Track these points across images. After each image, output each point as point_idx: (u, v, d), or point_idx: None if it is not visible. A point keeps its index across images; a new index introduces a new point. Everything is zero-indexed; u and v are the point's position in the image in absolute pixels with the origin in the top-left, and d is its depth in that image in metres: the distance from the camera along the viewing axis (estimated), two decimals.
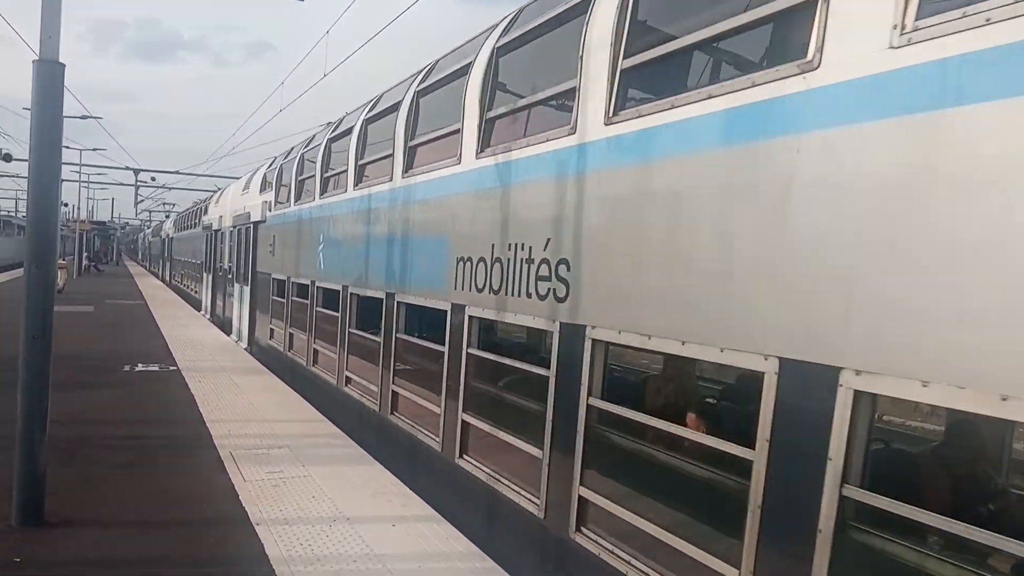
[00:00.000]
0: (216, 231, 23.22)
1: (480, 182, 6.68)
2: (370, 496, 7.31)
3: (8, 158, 21.24)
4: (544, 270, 5.58)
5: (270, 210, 15.98)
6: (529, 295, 5.79)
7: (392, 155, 8.92)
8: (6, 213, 74.59)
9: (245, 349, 17.80)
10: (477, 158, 6.77)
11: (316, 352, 12.37)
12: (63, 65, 6.21)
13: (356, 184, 10.33)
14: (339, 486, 7.54)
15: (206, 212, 28.11)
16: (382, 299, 9.17)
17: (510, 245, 6.07)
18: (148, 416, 10.40)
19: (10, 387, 6.37)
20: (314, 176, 12.57)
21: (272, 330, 15.58)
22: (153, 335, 19.36)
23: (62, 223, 47.36)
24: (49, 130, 6.19)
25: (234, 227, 19.86)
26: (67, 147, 39.43)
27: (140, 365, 14.45)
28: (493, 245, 6.34)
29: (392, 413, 8.81)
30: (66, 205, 61.31)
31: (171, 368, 14.30)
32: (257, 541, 6.10)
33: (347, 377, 10.71)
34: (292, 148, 15.82)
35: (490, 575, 5.72)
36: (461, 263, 6.91)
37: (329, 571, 5.59)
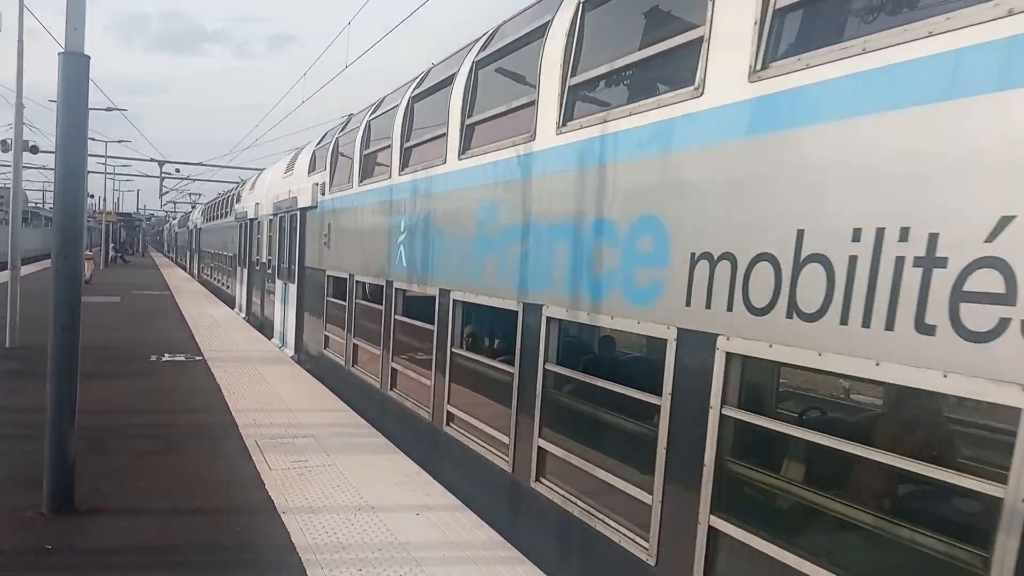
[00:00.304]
0: (252, 220, 20.87)
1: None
2: (394, 485, 7.34)
3: (35, 150, 21.46)
4: None
5: (323, 193, 13.35)
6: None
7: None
8: (34, 205, 75.64)
9: (292, 358, 15.31)
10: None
11: (394, 374, 9.82)
12: (88, 57, 6.25)
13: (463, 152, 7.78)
14: (363, 475, 7.58)
15: (239, 200, 25.76)
16: (515, 311, 6.54)
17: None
18: (175, 405, 10.51)
19: (40, 377, 6.45)
20: (390, 147, 9.98)
21: (327, 337, 13.10)
22: (179, 325, 19.55)
23: (88, 214, 47.96)
24: (75, 122, 6.24)
25: (275, 215, 17.29)
26: (93, 139, 39.96)
27: (167, 355, 14.61)
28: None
29: (538, 479, 6.22)
30: (92, 196, 62.08)
31: (197, 358, 14.45)
32: (283, 529, 6.15)
33: (449, 413, 8.02)
34: (350, 117, 13.50)
35: (514, 564, 5.73)
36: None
37: (354, 559, 5.62)
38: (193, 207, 59.49)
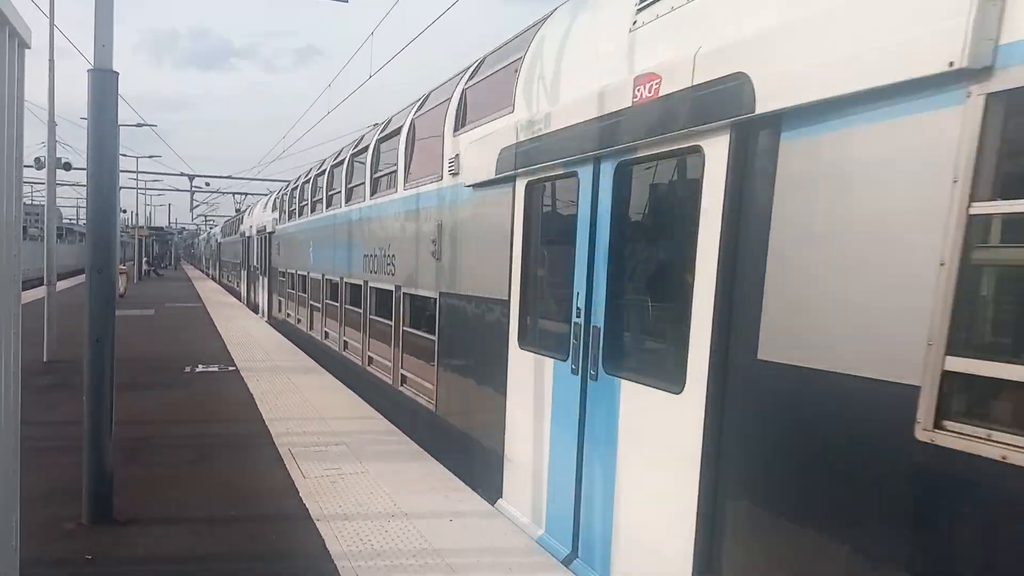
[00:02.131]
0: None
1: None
2: (426, 491, 7.35)
3: (68, 167, 21.80)
4: None
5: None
6: None
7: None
8: (68, 221, 76.91)
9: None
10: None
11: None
12: (117, 73, 6.33)
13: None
14: (396, 481, 7.60)
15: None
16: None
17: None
18: (209, 415, 10.61)
19: (77, 390, 6.54)
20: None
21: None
22: (211, 336, 19.76)
23: (121, 229, 48.77)
24: (105, 138, 6.33)
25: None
26: (124, 155, 40.53)
27: (200, 366, 14.77)
28: None
29: None
30: (125, 212, 63.00)
31: (230, 368, 14.59)
32: (318, 536, 6.17)
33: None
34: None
35: (548, 570, 5.70)
36: None
37: (388, 565, 5.63)
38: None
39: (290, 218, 20.92)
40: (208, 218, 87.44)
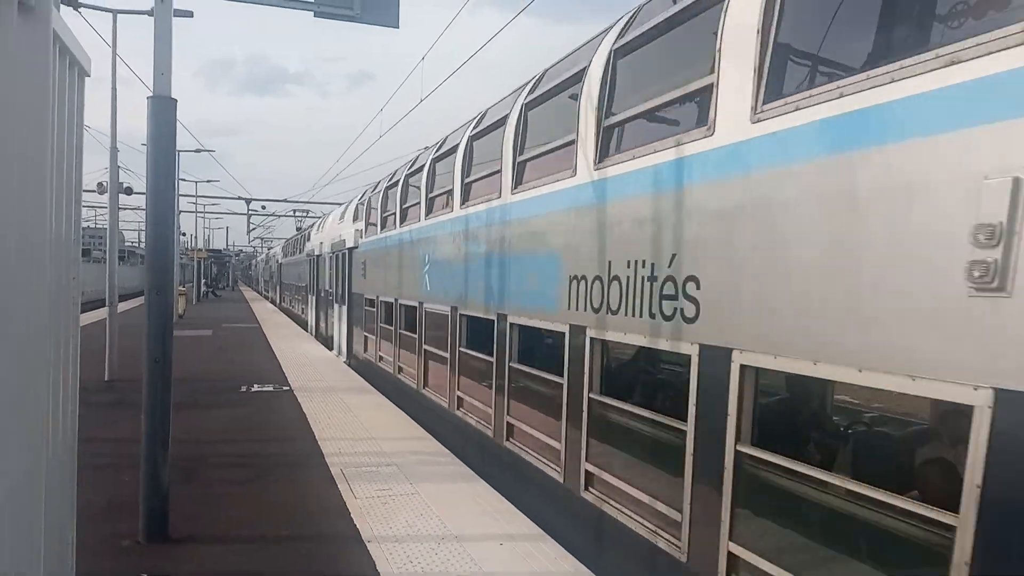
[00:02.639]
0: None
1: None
2: (477, 514, 7.30)
3: (129, 191, 22.49)
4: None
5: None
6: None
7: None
8: (130, 244, 79.23)
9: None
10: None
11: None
12: (175, 100, 6.50)
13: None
14: (446, 503, 7.57)
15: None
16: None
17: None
18: (263, 434, 10.74)
19: (136, 408, 6.68)
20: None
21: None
22: (267, 357, 20.06)
23: (181, 252, 50.04)
24: (164, 162, 6.49)
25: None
26: (183, 179, 41.70)
27: (256, 385, 14.99)
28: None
29: None
30: (184, 235, 64.73)
31: (284, 388, 14.78)
32: (368, 558, 6.17)
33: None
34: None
35: None
36: None
37: None
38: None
39: (385, 227, 15.36)
40: (264, 240, 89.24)
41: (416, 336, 12.47)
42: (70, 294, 3.17)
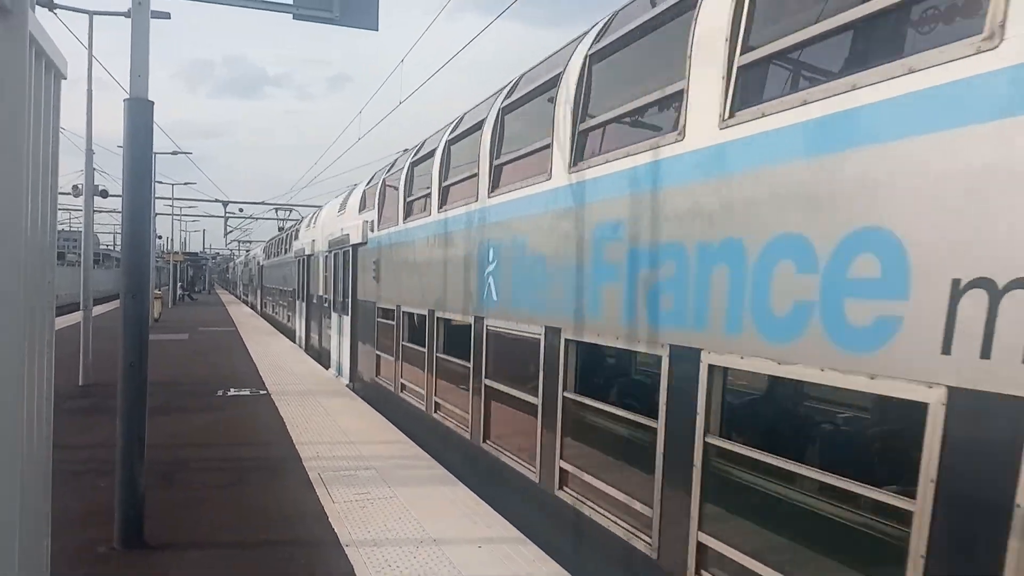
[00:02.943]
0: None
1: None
2: (455, 517, 7.30)
3: (104, 194, 22.26)
4: None
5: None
6: None
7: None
8: (105, 247, 78.39)
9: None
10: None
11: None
12: (152, 102, 6.46)
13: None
14: (425, 507, 7.56)
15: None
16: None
17: None
18: (240, 439, 10.66)
19: (112, 413, 6.62)
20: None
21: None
22: (244, 361, 19.91)
23: (157, 255, 49.59)
24: (140, 165, 6.44)
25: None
26: (160, 182, 41.36)
27: (232, 390, 14.88)
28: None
29: None
30: (160, 237, 64.20)
31: (261, 392, 14.68)
32: (347, 562, 6.15)
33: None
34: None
35: None
36: None
37: None
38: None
39: (411, 215, 11.80)
40: (242, 243, 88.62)
41: (470, 367, 9.01)
42: (45, 298, 3.14)
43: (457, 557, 6.26)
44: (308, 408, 12.97)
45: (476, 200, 8.82)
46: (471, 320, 8.97)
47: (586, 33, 6.98)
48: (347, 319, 16.59)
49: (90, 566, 5.99)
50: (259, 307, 45.03)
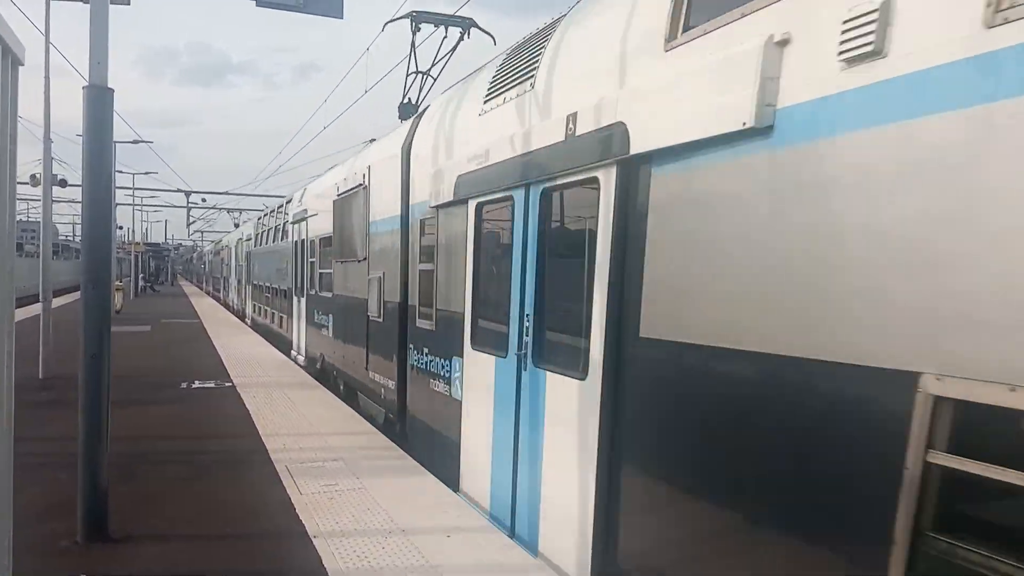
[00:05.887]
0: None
1: None
2: (424, 507, 7.31)
3: (64, 184, 21.86)
4: None
5: None
6: None
7: None
8: (64, 237, 76.96)
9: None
10: None
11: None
12: (112, 90, 6.34)
13: None
14: (393, 497, 7.55)
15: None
16: None
17: None
18: (205, 431, 10.56)
19: (73, 406, 6.52)
20: None
21: None
22: (208, 352, 19.70)
23: (118, 246, 48.81)
24: (100, 154, 6.33)
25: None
26: (121, 171, 40.70)
27: (196, 382, 14.72)
28: None
29: None
30: (121, 228, 63.12)
31: (226, 384, 14.54)
32: (315, 554, 6.13)
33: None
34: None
35: None
36: None
37: None
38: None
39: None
40: (205, 233, 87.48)
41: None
42: (5, 288, 3.09)
43: (426, 547, 6.27)
44: (274, 400, 12.87)
45: None
46: None
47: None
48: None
49: (53, 560, 5.91)
50: (246, 312, 31.91)
